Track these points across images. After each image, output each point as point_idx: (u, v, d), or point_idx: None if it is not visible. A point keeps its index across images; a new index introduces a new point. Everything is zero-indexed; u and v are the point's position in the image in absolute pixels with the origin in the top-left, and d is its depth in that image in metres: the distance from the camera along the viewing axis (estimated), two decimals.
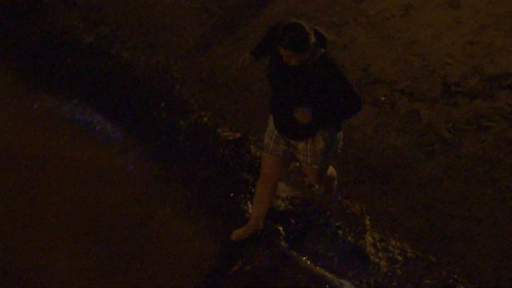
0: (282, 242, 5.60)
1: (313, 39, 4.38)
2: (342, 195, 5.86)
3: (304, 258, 5.50)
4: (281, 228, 5.67)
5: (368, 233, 5.65)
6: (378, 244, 5.58)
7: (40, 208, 5.88)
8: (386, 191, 5.90)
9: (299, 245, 5.57)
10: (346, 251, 5.55)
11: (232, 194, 5.93)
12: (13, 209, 5.86)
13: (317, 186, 5.71)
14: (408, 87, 6.60)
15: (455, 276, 5.38)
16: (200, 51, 7.10)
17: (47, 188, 6.02)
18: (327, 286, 5.33)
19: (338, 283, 5.33)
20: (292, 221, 5.72)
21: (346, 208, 5.80)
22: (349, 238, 5.62)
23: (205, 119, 6.53)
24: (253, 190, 5.85)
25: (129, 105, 6.69)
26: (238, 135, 6.38)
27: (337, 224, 5.69)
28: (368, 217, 5.75)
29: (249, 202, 5.84)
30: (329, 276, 5.38)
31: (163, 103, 6.65)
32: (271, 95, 4.88)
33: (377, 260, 5.46)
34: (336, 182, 5.62)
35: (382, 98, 6.54)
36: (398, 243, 5.58)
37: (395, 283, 5.33)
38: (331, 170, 5.41)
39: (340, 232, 5.65)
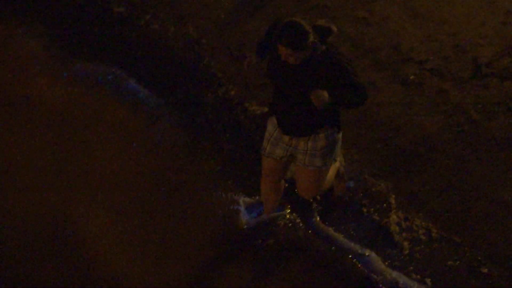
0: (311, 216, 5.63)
1: (311, 37, 4.34)
2: (368, 173, 5.85)
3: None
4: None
5: (393, 212, 5.64)
6: (402, 223, 5.56)
7: (82, 165, 6.03)
8: (412, 170, 5.88)
9: (325, 221, 5.58)
10: (370, 229, 5.54)
11: (257, 168, 5.93)
12: (59, 165, 6.05)
13: (306, 197, 5.43)
14: (438, 67, 6.53)
15: (479, 258, 5.36)
16: (230, 25, 7.08)
17: (87, 147, 6.14)
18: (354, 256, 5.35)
19: (366, 253, 5.36)
20: (317, 197, 5.71)
21: (372, 186, 5.79)
22: (374, 216, 5.61)
23: (233, 92, 6.53)
24: None
25: (159, 75, 6.71)
26: (266, 109, 6.37)
27: (362, 201, 5.68)
28: (393, 196, 5.73)
29: None
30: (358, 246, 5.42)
31: (191, 75, 6.66)
32: (273, 94, 4.89)
33: (401, 240, 5.46)
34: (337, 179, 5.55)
35: (411, 77, 6.48)
36: (422, 223, 5.56)
37: (418, 263, 5.33)
38: (326, 183, 5.29)
39: (365, 210, 5.64)
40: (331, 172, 5.32)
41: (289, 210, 5.63)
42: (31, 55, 6.99)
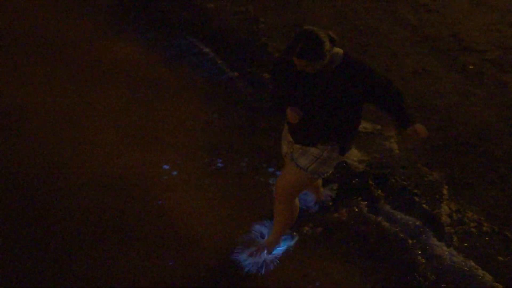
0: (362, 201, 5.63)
1: (327, 45, 4.11)
2: (421, 162, 5.82)
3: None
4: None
5: (444, 202, 5.59)
6: (454, 215, 5.52)
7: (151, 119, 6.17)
8: (467, 161, 5.82)
9: (376, 206, 5.56)
10: (420, 219, 5.51)
11: None
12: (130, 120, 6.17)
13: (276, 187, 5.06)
14: (498, 58, 6.43)
15: None
16: (288, 5, 7.06)
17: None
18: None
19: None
20: (370, 182, 5.69)
21: (425, 175, 5.75)
22: (425, 205, 5.57)
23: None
24: None
25: (217, 53, 6.73)
26: None
27: (414, 190, 5.65)
28: (446, 187, 5.68)
29: None
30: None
31: (248, 53, 6.67)
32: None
33: (451, 231, 5.42)
34: (285, 225, 5.04)
35: (471, 67, 6.39)
36: (474, 216, 5.50)
37: (467, 257, 5.29)
38: (296, 206, 4.92)
39: (416, 198, 5.61)
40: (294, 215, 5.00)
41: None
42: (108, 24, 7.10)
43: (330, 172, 4.75)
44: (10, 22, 7.02)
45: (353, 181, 5.69)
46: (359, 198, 5.58)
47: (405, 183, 5.68)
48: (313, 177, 4.70)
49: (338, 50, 4.26)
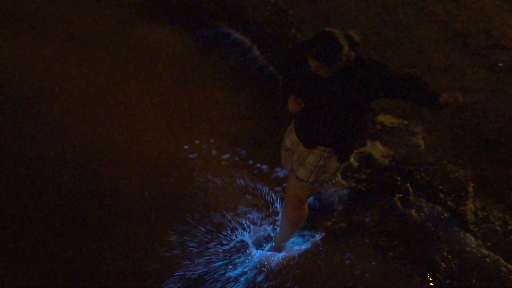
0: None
1: (346, 49, 4.01)
2: (447, 159, 5.80)
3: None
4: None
5: (470, 200, 5.57)
6: (479, 212, 5.49)
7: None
8: (494, 159, 5.78)
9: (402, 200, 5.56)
10: (445, 215, 5.49)
11: None
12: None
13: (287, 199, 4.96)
14: None
15: None
16: None
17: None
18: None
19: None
20: (396, 177, 5.68)
21: (451, 172, 5.73)
22: (450, 203, 5.56)
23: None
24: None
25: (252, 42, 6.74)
26: None
27: (440, 187, 5.64)
28: (472, 184, 5.65)
29: None
30: None
31: (276, 45, 6.67)
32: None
33: (476, 229, 5.40)
34: (292, 229, 5.02)
35: (500, 64, 6.34)
36: (500, 214, 5.48)
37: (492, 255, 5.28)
38: (303, 213, 4.88)
39: (442, 195, 5.59)
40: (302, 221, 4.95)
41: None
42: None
43: (335, 179, 4.67)
44: (41, 7, 7.08)
45: (378, 176, 5.69)
46: (385, 192, 5.59)
47: (430, 179, 5.67)
48: (315, 186, 4.65)
49: (352, 53, 4.13)
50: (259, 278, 4.98)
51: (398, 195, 5.54)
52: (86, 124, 5.87)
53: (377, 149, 5.86)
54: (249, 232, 5.25)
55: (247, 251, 5.14)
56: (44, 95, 6.11)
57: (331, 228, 5.30)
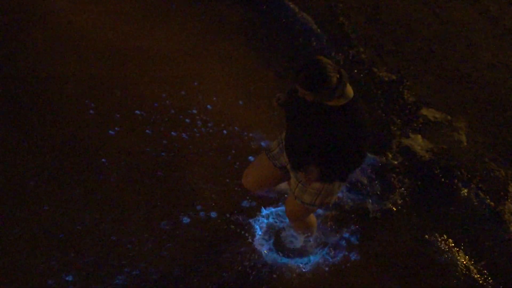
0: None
1: (334, 81, 3.89)
2: (489, 157, 5.76)
3: None
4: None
5: (509, 200, 5.54)
6: None
7: None
8: None
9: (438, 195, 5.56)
10: (483, 214, 5.48)
11: (379, 135, 5.92)
12: None
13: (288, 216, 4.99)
14: None
15: None
16: None
17: None
18: None
19: None
20: (436, 172, 5.68)
21: (492, 171, 5.70)
22: (489, 201, 5.54)
23: (363, 56, 6.50)
24: (399, 133, 5.89)
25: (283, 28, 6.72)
26: (394, 77, 6.33)
27: (480, 185, 5.62)
28: None
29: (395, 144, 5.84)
30: None
31: (324, 31, 6.66)
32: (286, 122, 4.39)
33: None
34: (313, 231, 5.11)
35: None
36: None
37: None
38: (311, 221, 4.97)
39: (481, 194, 5.57)
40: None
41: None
42: None
43: (336, 198, 4.63)
44: None
45: (417, 170, 5.69)
46: (421, 186, 5.59)
47: (470, 176, 5.65)
48: (321, 207, 4.64)
49: (349, 92, 4.04)
50: None
51: (436, 190, 5.54)
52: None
53: (418, 143, 5.85)
54: None
55: None
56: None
57: (365, 219, 5.34)
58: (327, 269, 5.03)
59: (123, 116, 5.74)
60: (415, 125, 6.00)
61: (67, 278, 4.82)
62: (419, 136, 5.90)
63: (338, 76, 3.92)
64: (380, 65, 6.42)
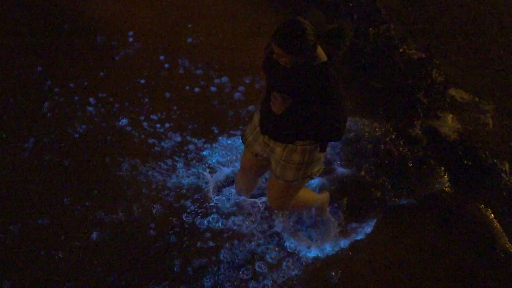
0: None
1: (310, 42, 3.78)
2: None
3: None
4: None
5: None
6: None
7: None
8: None
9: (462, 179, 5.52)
10: (506, 197, 5.44)
11: (405, 114, 5.87)
12: None
13: (272, 208, 4.86)
14: None
15: None
16: None
17: None
18: None
19: None
20: (460, 153, 5.63)
21: None
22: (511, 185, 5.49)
23: (393, 32, 6.43)
24: (425, 112, 5.85)
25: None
26: (423, 55, 6.27)
27: (503, 168, 5.56)
28: None
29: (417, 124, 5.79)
30: None
31: (356, 6, 6.59)
32: (265, 87, 4.29)
33: None
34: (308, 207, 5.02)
35: None
36: None
37: None
38: (304, 198, 4.81)
39: (505, 177, 5.52)
40: (307, 195, 4.85)
41: None
42: None
43: (322, 169, 4.49)
44: None
45: (443, 150, 5.65)
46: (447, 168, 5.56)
47: (495, 159, 5.59)
48: (305, 181, 4.50)
49: (322, 56, 3.93)
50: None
51: (460, 172, 5.51)
52: None
53: (445, 123, 5.80)
54: None
55: None
56: None
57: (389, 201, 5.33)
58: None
59: None
60: (442, 104, 5.95)
61: None
62: (445, 116, 5.84)
63: (316, 39, 3.80)
64: (410, 42, 6.35)
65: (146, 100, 5.69)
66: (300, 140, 4.23)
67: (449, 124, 5.81)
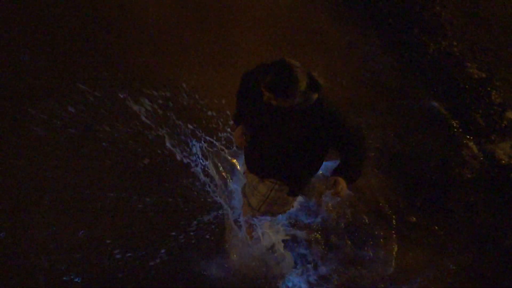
0: None
1: (303, 85, 3.66)
2: None
3: None
4: None
5: None
6: None
7: None
8: None
9: None
10: None
11: (461, 133, 5.82)
12: None
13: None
14: None
15: None
16: None
17: None
18: None
19: None
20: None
21: None
22: None
23: (455, 49, 6.37)
24: (480, 133, 5.79)
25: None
26: (484, 75, 6.19)
27: None
28: None
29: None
30: None
31: (417, 19, 6.55)
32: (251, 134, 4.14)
33: None
34: None
35: None
36: None
37: None
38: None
39: None
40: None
41: None
42: None
43: (287, 210, 4.41)
44: None
45: (499, 174, 5.59)
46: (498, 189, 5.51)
47: None
48: (265, 215, 4.43)
49: (314, 94, 3.82)
50: None
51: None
52: None
53: (498, 146, 5.73)
54: None
55: None
56: None
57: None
58: None
59: None
60: (498, 127, 5.88)
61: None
62: (501, 139, 5.78)
63: (308, 80, 3.69)
64: (472, 61, 6.28)
65: None
66: (271, 178, 4.18)
67: (504, 148, 5.74)
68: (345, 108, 4.08)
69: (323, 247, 5.02)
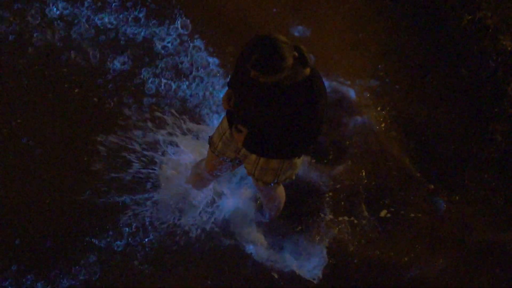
0: None
1: (289, 61, 3.60)
2: None
3: None
4: None
5: None
6: None
7: None
8: None
9: None
10: None
11: (490, 106, 5.71)
12: None
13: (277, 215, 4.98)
14: None
15: None
16: None
17: None
18: None
19: None
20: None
21: None
22: None
23: (489, 21, 6.22)
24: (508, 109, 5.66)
25: None
26: None
27: None
28: None
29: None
30: None
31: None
32: (235, 101, 4.11)
33: None
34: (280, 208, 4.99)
35: None
36: None
37: None
38: (281, 193, 4.80)
39: None
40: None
41: None
42: None
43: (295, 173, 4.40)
44: None
45: None
46: None
47: None
48: (284, 182, 4.41)
49: (305, 70, 3.78)
50: None
51: None
52: None
53: None
54: None
55: None
56: None
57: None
58: None
59: None
60: None
61: None
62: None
63: (295, 54, 3.65)
64: (506, 33, 6.13)
65: None
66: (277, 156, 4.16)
67: None
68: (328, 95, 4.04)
69: None
